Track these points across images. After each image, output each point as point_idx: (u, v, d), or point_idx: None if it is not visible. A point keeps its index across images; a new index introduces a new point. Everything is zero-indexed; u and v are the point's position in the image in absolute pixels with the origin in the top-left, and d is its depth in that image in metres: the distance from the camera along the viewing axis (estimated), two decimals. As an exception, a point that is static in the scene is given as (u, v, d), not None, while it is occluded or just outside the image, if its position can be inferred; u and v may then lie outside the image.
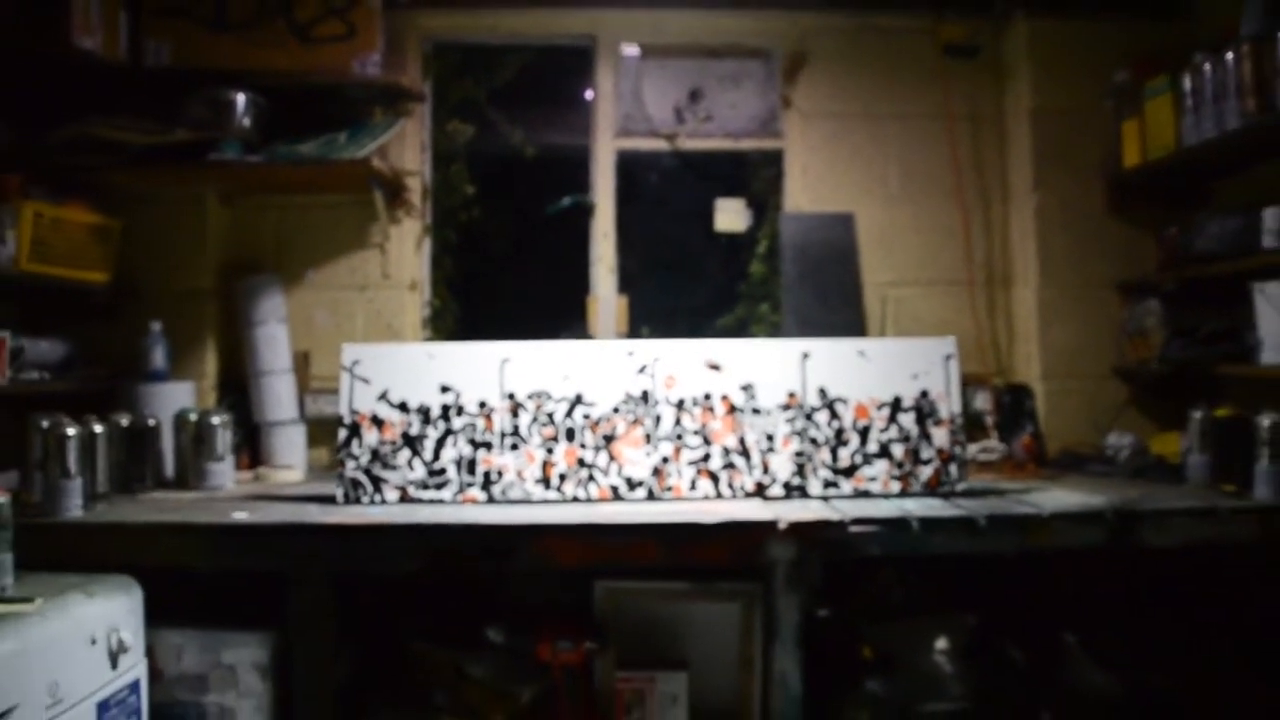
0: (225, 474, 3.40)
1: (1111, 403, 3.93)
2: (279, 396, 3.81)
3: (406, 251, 4.06)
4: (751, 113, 4.29)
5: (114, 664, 2.43)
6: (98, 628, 2.39)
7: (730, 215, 4.31)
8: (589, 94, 4.26)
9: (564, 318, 4.27)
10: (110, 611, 2.46)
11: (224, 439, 3.41)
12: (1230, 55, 3.23)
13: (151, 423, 3.35)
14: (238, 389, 3.85)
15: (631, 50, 4.22)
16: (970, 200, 4.18)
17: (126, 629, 2.50)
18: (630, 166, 4.29)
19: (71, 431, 2.85)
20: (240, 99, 3.55)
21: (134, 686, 2.53)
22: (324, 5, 3.58)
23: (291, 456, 3.76)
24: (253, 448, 3.75)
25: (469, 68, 4.23)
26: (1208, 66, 3.34)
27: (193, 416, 3.42)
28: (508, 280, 4.46)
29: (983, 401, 3.99)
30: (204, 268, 3.87)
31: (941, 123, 4.16)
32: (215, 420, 3.37)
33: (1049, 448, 3.88)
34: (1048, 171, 4.05)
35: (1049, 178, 4.05)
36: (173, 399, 3.58)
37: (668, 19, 4.18)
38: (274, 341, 3.83)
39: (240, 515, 2.84)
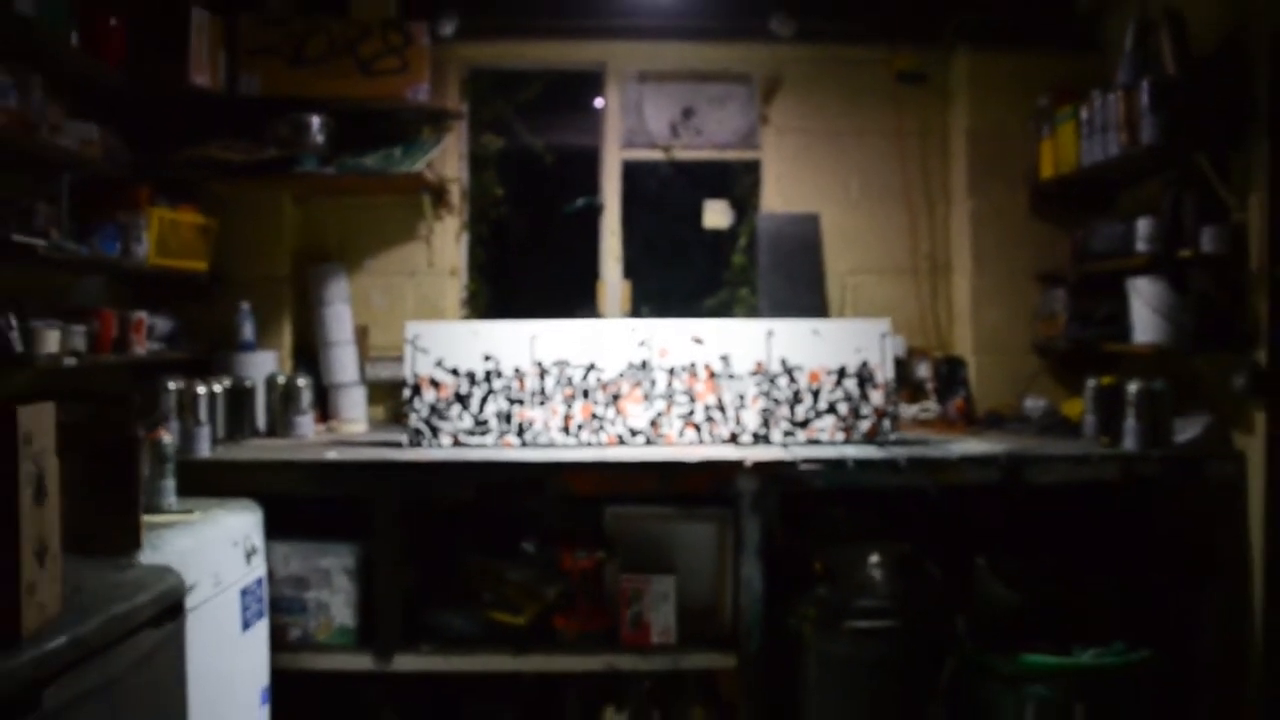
0: (307, 426, 4.20)
1: (1029, 373, 4.64)
2: (344, 363, 4.58)
3: (447, 243, 4.81)
4: (735, 128, 4.97)
5: (248, 562, 3.23)
6: (236, 535, 3.19)
7: (716, 214, 4.97)
8: (599, 102, 4.98)
9: (577, 299, 4.93)
10: (243, 524, 3.26)
11: (306, 397, 4.20)
12: (1111, 96, 3.99)
13: (249, 384, 4.12)
14: (310, 357, 4.60)
15: (634, 76, 4.95)
16: (917, 203, 4.87)
17: (254, 538, 3.31)
18: (633, 173, 4.96)
19: (200, 390, 3.66)
20: (315, 120, 4.31)
21: (260, 581, 3.33)
22: (383, 44, 4.33)
23: (355, 412, 4.54)
24: (322, 405, 4.50)
25: (499, 89, 4.91)
26: (1099, 102, 4.09)
27: (281, 379, 4.21)
28: (531, 267, 5.11)
29: (924, 370, 4.74)
30: (281, 257, 4.61)
31: (894, 138, 4.86)
32: (300, 382, 4.17)
33: (978, 409, 4.60)
34: (981, 180, 4.73)
35: (982, 185, 4.73)
36: (259, 365, 4.35)
37: (665, 50, 4.86)
38: (339, 318, 4.60)
39: (332, 454, 3.65)
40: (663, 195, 5.06)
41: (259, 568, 3.31)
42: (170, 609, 2.36)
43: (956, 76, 4.84)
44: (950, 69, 4.88)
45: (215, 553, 3.00)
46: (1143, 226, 3.93)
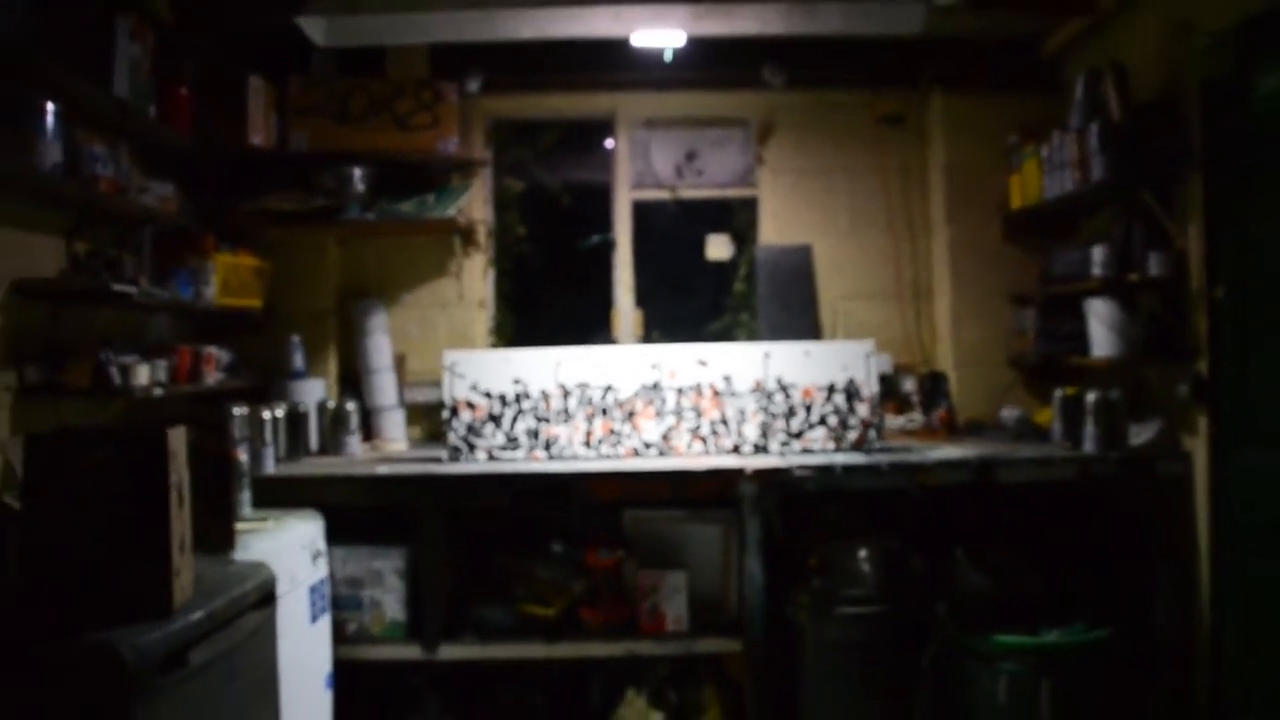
0: (355, 445, 4.67)
1: (1004, 385, 5.09)
2: (384, 388, 5.05)
3: (475, 278, 5.29)
4: (733, 169, 5.44)
5: (314, 563, 3.70)
6: (304, 540, 3.66)
7: (718, 247, 5.46)
8: (609, 143, 5.45)
9: (594, 326, 5.40)
10: (309, 530, 3.73)
11: (354, 420, 4.68)
12: (1066, 137, 4.47)
13: (302, 409, 4.60)
14: (353, 382, 5.07)
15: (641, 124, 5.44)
16: (900, 233, 5.33)
17: (318, 542, 3.78)
18: (642, 211, 5.42)
19: (265, 415, 4.15)
20: (357, 172, 4.82)
21: (324, 580, 3.80)
22: (417, 102, 4.84)
23: (396, 432, 5.01)
24: (366, 426, 4.96)
25: (520, 137, 5.42)
26: (1057, 141, 4.56)
27: (331, 404, 4.69)
28: (551, 298, 5.56)
29: (910, 385, 5.18)
30: (327, 293, 5.09)
31: (878, 175, 5.32)
32: (348, 406, 4.66)
33: (960, 419, 5.02)
34: (957, 211, 5.19)
35: (959, 216, 5.19)
36: (310, 391, 4.81)
37: (669, 99, 5.34)
38: (379, 347, 5.07)
39: (382, 469, 4.13)
40: (670, 231, 5.50)
41: (323, 568, 3.78)
42: (266, 596, 2.85)
43: (932, 118, 5.30)
44: (927, 111, 5.33)
45: (289, 554, 3.47)
46: (1097, 253, 4.36)
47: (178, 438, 2.32)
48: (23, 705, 2.06)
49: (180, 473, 2.33)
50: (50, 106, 3.32)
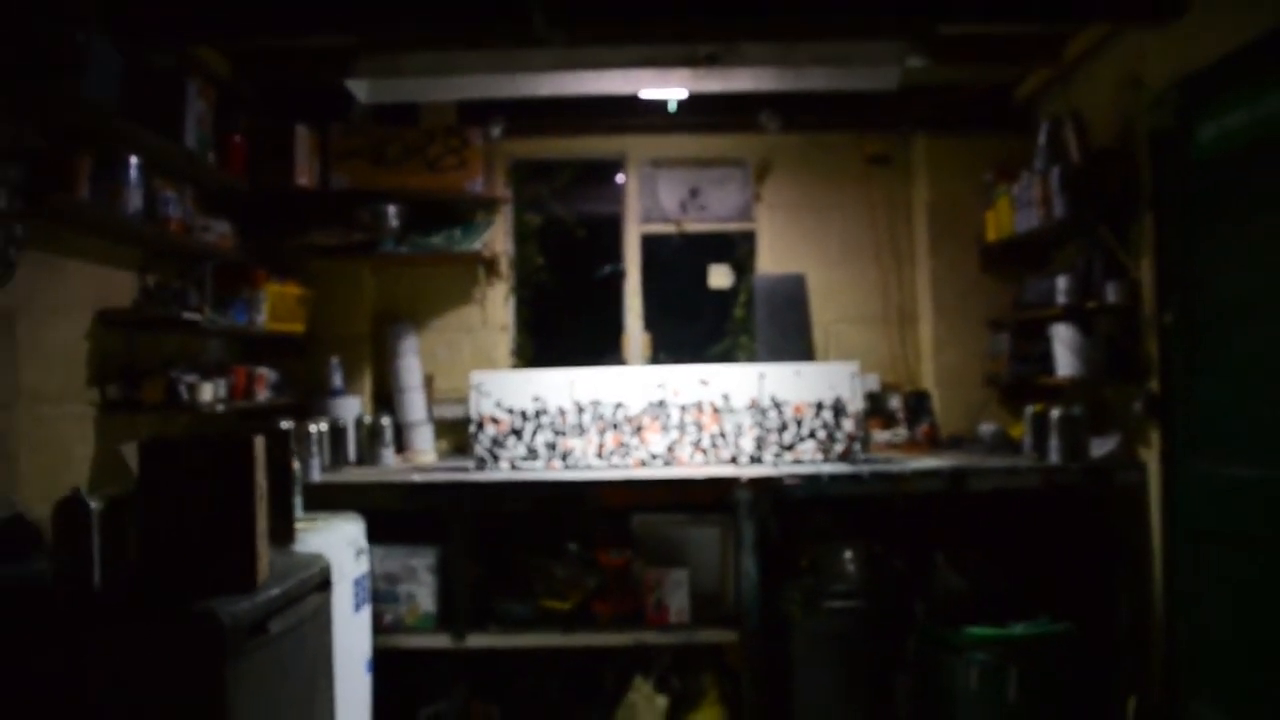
0: (389, 456, 5.14)
1: (982, 402, 5.52)
2: (415, 405, 5.51)
3: (497, 305, 5.76)
4: (734, 204, 5.88)
5: (358, 559, 4.14)
6: (350, 538, 4.09)
7: (720, 276, 5.89)
8: (620, 178, 5.92)
9: (606, 349, 5.80)
10: (353, 530, 4.16)
11: (388, 434, 5.15)
12: (1032, 177, 4.92)
13: (341, 424, 5.08)
14: (386, 400, 5.52)
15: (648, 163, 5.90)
16: (887, 263, 5.76)
17: (360, 541, 4.23)
18: (650, 243, 5.85)
19: (313, 429, 4.63)
20: (391, 209, 5.30)
21: (365, 575, 4.22)
22: (446, 147, 5.33)
23: (425, 445, 5.46)
24: (398, 440, 5.42)
25: (538, 176, 5.88)
26: (1025, 181, 5.02)
27: (368, 419, 5.16)
28: (567, 323, 5.97)
29: (895, 402, 5.59)
30: (362, 319, 5.56)
31: (866, 209, 5.76)
32: (384, 422, 5.13)
33: (942, 433, 5.44)
34: (939, 243, 5.63)
35: (940, 248, 5.63)
36: (347, 408, 5.27)
37: (674, 141, 5.79)
38: (410, 368, 5.52)
39: (416, 478, 4.59)
40: (675, 261, 5.92)
41: (365, 564, 4.21)
42: (324, 582, 3.32)
43: (916, 158, 5.75)
44: (911, 152, 5.77)
45: (337, 550, 3.90)
46: (1061, 282, 4.79)
47: (260, 446, 2.79)
48: (145, 657, 2.54)
49: (262, 474, 2.80)
50: (134, 160, 3.83)
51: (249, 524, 2.71)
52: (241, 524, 2.71)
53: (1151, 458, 4.45)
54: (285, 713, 2.94)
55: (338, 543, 3.93)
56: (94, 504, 2.67)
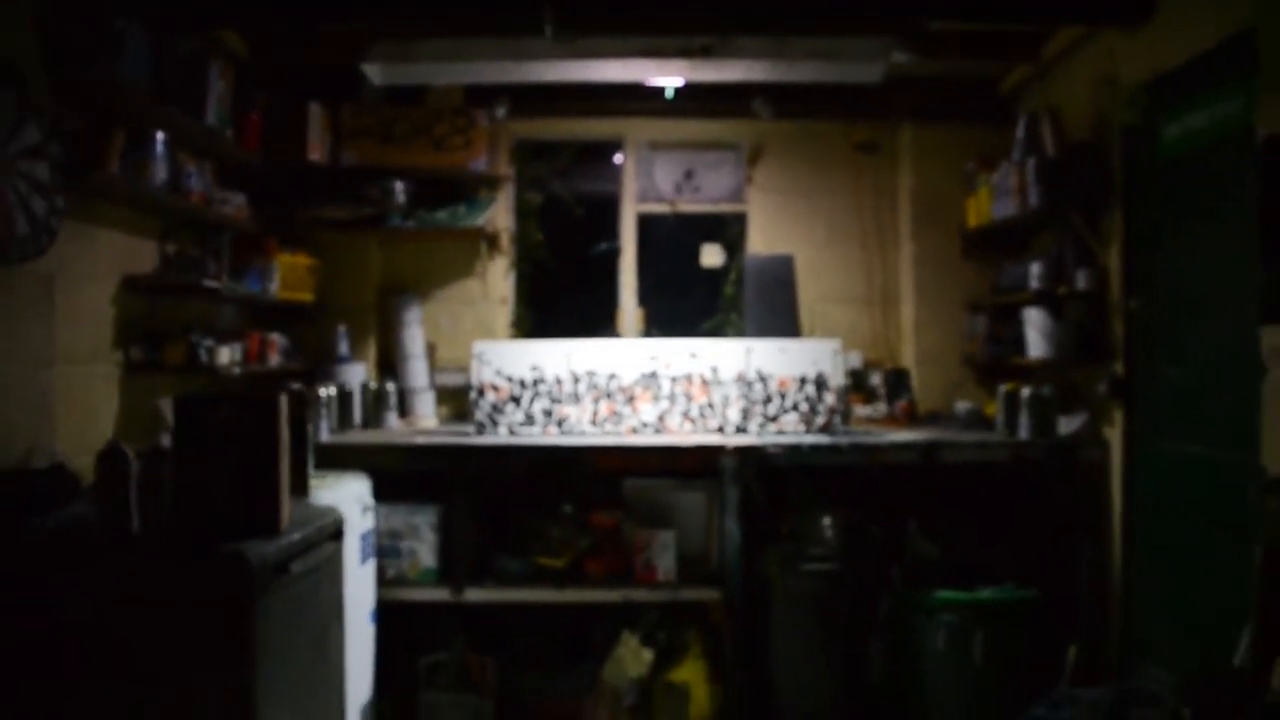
0: (393, 420, 5.39)
1: (959, 381, 5.77)
2: (418, 373, 5.76)
3: (498, 278, 6.00)
4: (726, 187, 6.10)
5: (364, 515, 4.40)
6: (357, 495, 4.34)
7: (712, 255, 6.12)
8: (618, 158, 6.16)
9: (601, 322, 6.03)
10: (361, 488, 4.42)
11: (392, 399, 5.41)
12: (1010, 167, 5.16)
13: (348, 389, 5.32)
14: (390, 367, 5.77)
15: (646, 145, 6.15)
16: (871, 246, 6.00)
17: (367, 498, 4.49)
18: (646, 222, 6.07)
19: (322, 392, 4.88)
20: (399, 185, 5.54)
21: (371, 531, 4.48)
22: (452, 127, 5.56)
23: (426, 410, 5.71)
24: (401, 405, 5.66)
25: (540, 155, 6.09)
26: (1003, 171, 5.26)
27: (373, 385, 5.41)
28: (564, 297, 6.18)
29: (876, 379, 5.81)
30: (368, 289, 5.79)
31: (852, 195, 5.99)
32: (389, 388, 5.39)
33: (920, 409, 5.68)
34: (921, 228, 5.86)
35: (922, 232, 5.86)
36: (353, 374, 5.49)
37: (670, 125, 6.01)
38: (414, 337, 5.77)
39: (420, 440, 4.86)
40: (669, 240, 6.15)
41: (370, 520, 4.47)
42: (337, 531, 3.58)
43: (902, 146, 5.97)
44: (897, 140, 5.99)
45: (346, 505, 4.15)
46: (1035, 269, 5.02)
47: (283, 404, 3.05)
48: (180, 594, 2.80)
49: (285, 430, 3.06)
50: (160, 136, 4.07)
51: (273, 475, 2.97)
52: (267, 475, 2.97)
53: (1114, 436, 4.68)
54: (303, 651, 3.21)
55: (346, 499, 4.18)
56: (132, 455, 2.93)
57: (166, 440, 3.66)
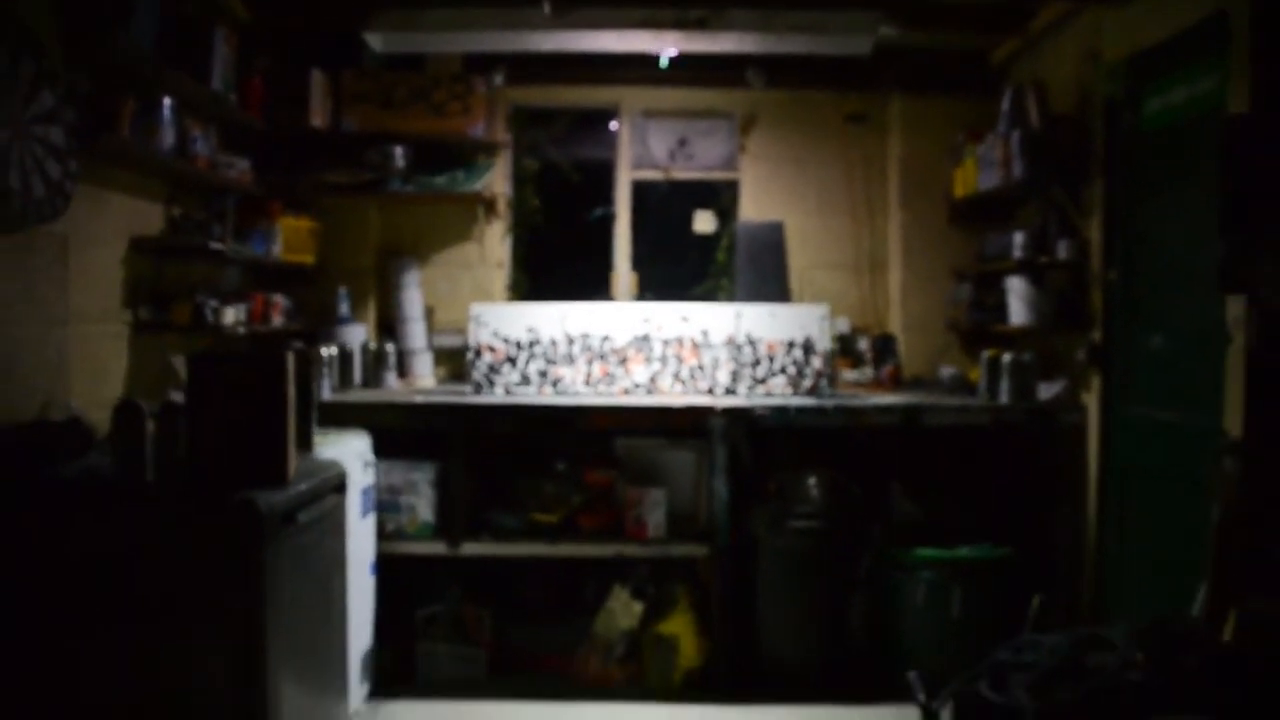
0: (392, 380, 5.53)
1: (943, 346, 5.90)
2: (416, 334, 5.88)
3: (495, 242, 6.12)
4: (719, 154, 6.20)
5: (365, 471, 4.55)
6: (359, 451, 4.47)
7: (704, 221, 6.24)
8: (614, 125, 6.27)
9: (596, 286, 6.14)
10: (362, 444, 4.55)
11: (391, 360, 5.55)
12: (995, 139, 5.28)
13: (348, 349, 5.46)
14: (389, 329, 5.88)
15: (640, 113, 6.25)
16: (860, 214, 6.12)
17: (368, 455, 4.63)
18: (640, 189, 6.17)
19: (324, 352, 5.03)
20: (398, 150, 5.66)
21: (371, 486, 4.62)
22: (450, 93, 5.66)
23: (424, 370, 5.82)
24: (400, 366, 5.77)
25: (537, 122, 6.19)
26: (989, 142, 5.38)
27: (372, 346, 5.55)
28: (560, 261, 6.31)
29: (864, 344, 5.93)
30: (368, 252, 5.91)
31: (842, 164, 6.09)
32: (388, 348, 5.53)
33: (906, 374, 5.81)
34: (910, 197, 5.97)
35: (910, 201, 5.97)
36: (353, 335, 5.61)
37: (665, 94, 6.10)
38: (412, 300, 5.89)
39: (419, 399, 5.01)
40: (663, 206, 6.26)
41: (371, 476, 4.61)
42: (340, 484, 3.74)
43: (892, 116, 6.07)
44: (887, 111, 6.09)
45: (348, 461, 4.28)
46: (1018, 238, 5.13)
47: (290, 361, 3.20)
48: (192, 541, 2.96)
49: (292, 387, 3.20)
50: (167, 102, 4.19)
51: (281, 429, 3.13)
52: (274, 429, 3.12)
53: (1092, 401, 4.81)
54: (309, 598, 3.37)
55: (348, 455, 4.30)
56: (146, 409, 3.08)
57: (176, 396, 3.82)
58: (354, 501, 4.30)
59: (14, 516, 2.96)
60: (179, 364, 4.13)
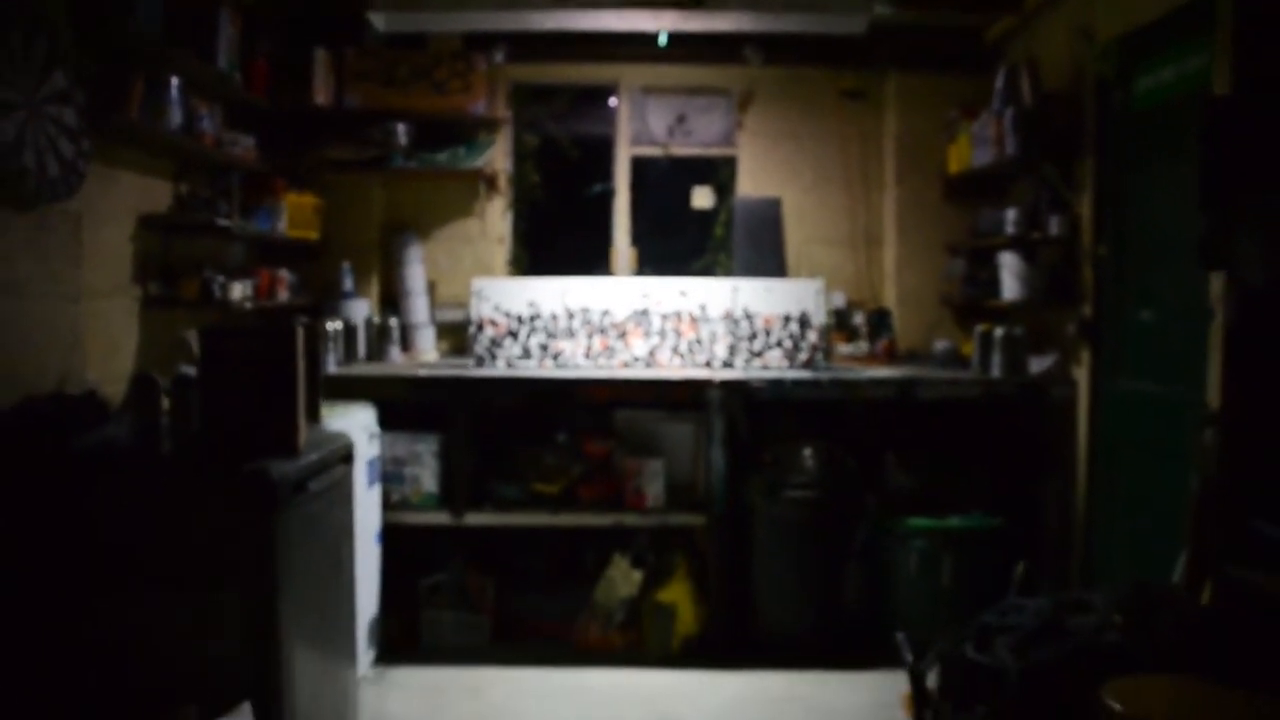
0: (395, 354, 5.63)
1: (937, 321, 6.00)
2: (418, 309, 5.98)
3: (496, 218, 6.20)
4: (717, 131, 6.28)
5: (370, 442, 4.65)
6: (365, 422, 4.58)
7: (702, 197, 6.31)
8: (613, 101, 6.34)
9: (595, 261, 6.23)
10: (367, 416, 4.66)
11: (395, 334, 5.65)
12: (989, 116, 5.36)
13: (353, 324, 5.56)
14: (392, 303, 5.98)
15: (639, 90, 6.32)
16: (856, 190, 6.19)
17: (373, 426, 4.74)
18: (639, 165, 6.25)
19: (329, 327, 5.12)
20: (400, 127, 5.73)
21: (378, 458, 4.72)
22: (452, 71, 5.73)
23: (427, 344, 5.93)
24: (402, 340, 5.87)
25: (537, 99, 6.26)
26: (983, 120, 5.46)
27: (376, 320, 5.65)
28: (559, 236, 6.40)
29: (859, 318, 6.03)
30: (371, 228, 5.99)
31: (838, 140, 6.17)
32: (392, 323, 5.63)
33: (900, 348, 5.93)
34: (905, 173, 6.05)
35: (906, 177, 6.05)
36: (357, 309, 5.70)
37: (664, 70, 6.17)
38: (415, 275, 5.98)
39: (422, 372, 5.11)
40: (661, 182, 6.33)
41: (376, 447, 4.71)
42: (347, 455, 3.84)
43: (887, 93, 6.15)
44: (883, 88, 6.16)
45: (354, 432, 4.38)
46: (1010, 214, 5.24)
47: (300, 335, 3.29)
48: (207, 509, 3.07)
49: (300, 359, 3.30)
50: (174, 81, 4.27)
51: (292, 400, 3.23)
52: (285, 400, 3.22)
53: (1082, 375, 4.90)
54: (318, 565, 3.48)
55: (354, 427, 4.40)
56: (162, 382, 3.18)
57: (186, 370, 3.92)
58: (360, 472, 4.39)
59: (38, 486, 3.06)
60: (191, 338, 4.23)
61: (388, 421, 4.82)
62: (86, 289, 3.92)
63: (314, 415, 3.81)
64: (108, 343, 4.11)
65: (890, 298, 6.16)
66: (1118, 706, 2.45)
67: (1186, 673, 2.62)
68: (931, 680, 3.25)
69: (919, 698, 3.12)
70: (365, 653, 4.45)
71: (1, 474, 3.02)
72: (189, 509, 3.09)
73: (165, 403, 3.19)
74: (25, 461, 3.08)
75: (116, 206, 4.18)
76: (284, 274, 5.33)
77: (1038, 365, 5.15)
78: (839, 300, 6.07)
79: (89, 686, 2.95)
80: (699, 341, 5.31)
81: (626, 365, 5.29)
